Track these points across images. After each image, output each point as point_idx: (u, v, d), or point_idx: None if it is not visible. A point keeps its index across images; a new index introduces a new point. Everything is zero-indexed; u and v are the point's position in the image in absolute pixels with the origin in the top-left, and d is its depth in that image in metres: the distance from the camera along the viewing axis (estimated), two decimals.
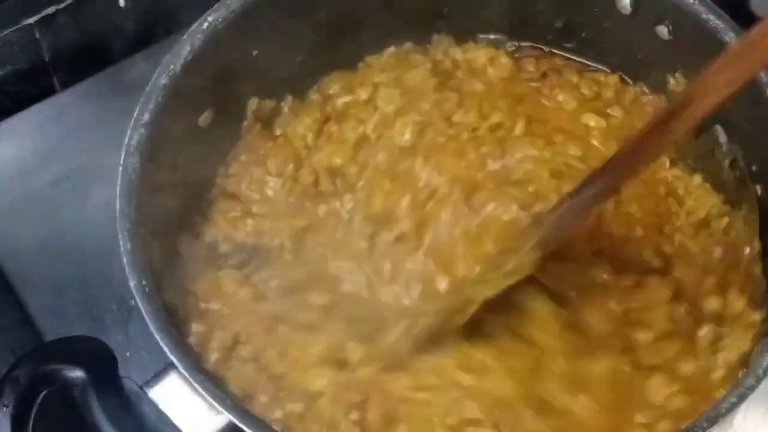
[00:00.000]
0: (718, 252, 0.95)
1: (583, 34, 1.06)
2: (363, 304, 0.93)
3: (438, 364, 0.88)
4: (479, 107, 1.02)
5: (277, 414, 0.87)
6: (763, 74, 0.90)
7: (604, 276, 0.93)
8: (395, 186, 0.98)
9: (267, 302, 0.93)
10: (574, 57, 1.07)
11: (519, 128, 1.02)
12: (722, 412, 0.79)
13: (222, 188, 0.99)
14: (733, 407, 0.79)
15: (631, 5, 0.99)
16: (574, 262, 0.93)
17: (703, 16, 0.94)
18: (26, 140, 1.13)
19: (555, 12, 1.05)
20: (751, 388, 0.80)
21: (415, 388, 0.88)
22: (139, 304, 0.82)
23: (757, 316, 0.91)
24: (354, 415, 0.87)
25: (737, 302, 0.92)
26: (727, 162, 0.98)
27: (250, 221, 0.97)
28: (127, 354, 1.01)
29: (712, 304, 0.93)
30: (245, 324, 0.91)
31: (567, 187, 0.95)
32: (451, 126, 1.01)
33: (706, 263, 0.95)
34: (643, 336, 0.91)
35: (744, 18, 0.93)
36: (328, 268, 0.95)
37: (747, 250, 0.95)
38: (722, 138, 0.98)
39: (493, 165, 0.99)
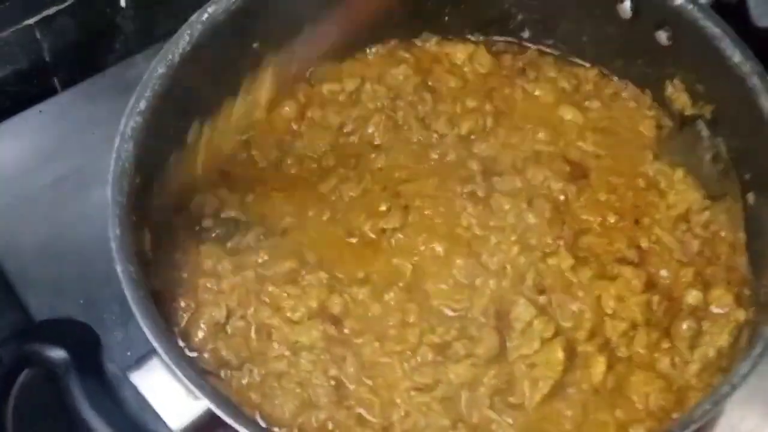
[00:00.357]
0: (695, 246, 0.96)
1: (584, 38, 1.06)
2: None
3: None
4: (451, 112, 1.04)
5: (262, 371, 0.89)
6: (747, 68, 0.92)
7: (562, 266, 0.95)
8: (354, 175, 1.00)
9: (249, 269, 0.94)
10: (570, 57, 1.09)
11: (489, 123, 1.03)
12: (695, 418, 0.79)
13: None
14: (707, 414, 0.79)
15: (632, 10, 1.00)
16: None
17: (702, 22, 0.95)
18: (26, 140, 1.13)
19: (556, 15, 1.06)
20: (726, 395, 0.80)
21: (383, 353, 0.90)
22: (125, 289, 0.82)
23: (741, 315, 0.92)
24: (333, 371, 0.89)
25: (724, 297, 0.93)
26: (709, 156, 0.99)
27: (236, 194, 0.99)
28: (128, 353, 1.01)
29: (692, 297, 0.93)
30: (235, 295, 0.93)
31: (531, 172, 0.98)
32: (424, 128, 1.03)
33: (684, 257, 0.96)
34: (616, 326, 0.92)
35: (743, 26, 0.94)
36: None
37: (729, 242, 0.97)
38: (705, 132, 0.99)
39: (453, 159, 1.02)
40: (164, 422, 0.79)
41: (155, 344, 0.80)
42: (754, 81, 0.92)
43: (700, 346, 0.91)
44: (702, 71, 0.98)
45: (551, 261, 0.94)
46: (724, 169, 0.98)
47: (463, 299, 0.93)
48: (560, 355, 0.89)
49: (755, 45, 0.93)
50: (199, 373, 0.83)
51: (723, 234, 0.97)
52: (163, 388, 0.80)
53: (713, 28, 0.94)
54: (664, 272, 0.95)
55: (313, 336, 0.90)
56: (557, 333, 0.91)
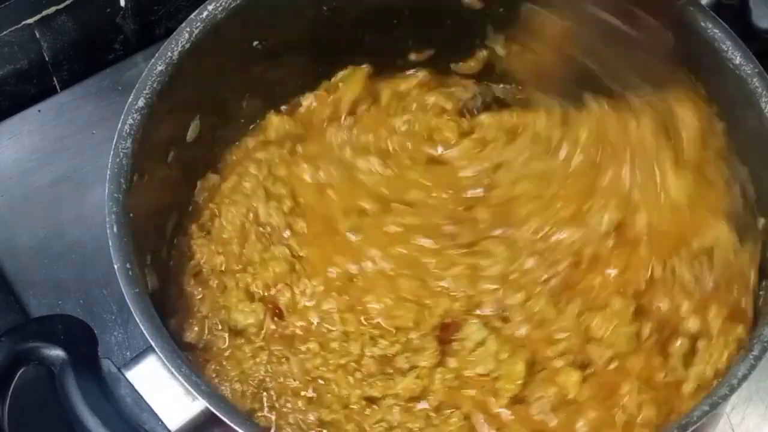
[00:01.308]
0: (709, 282, 0.92)
1: None
2: None
3: None
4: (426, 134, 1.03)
5: None
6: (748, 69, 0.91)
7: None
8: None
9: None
10: None
11: None
12: (693, 419, 0.78)
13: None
14: (704, 415, 0.78)
15: None
16: None
17: (702, 24, 0.94)
18: (26, 140, 1.13)
19: None
20: (724, 398, 0.79)
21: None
22: (122, 286, 0.82)
23: (742, 332, 0.89)
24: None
25: (716, 320, 0.89)
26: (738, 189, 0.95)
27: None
28: (128, 353, 1.02)
29: (691, 325, 0.90)
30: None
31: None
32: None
33: (692, 291, 0.91)
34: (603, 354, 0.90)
35: (743, 27, 0.94)
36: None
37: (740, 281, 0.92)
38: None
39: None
40: (161, 421, 0.79)
41: (152, 341, 0.79)
42: (755, 82, 0.92)
43: (695, 365, 0.88)
44: (702, 73, 0.98)
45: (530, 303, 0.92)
46: (748, 204, 0.94)
47: (409, 318, 0.91)
48: (520, 368, 0.88)
49: (756, 46, 0.93)
50: (196, 372, 0.82)
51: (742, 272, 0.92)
52: (160, 387, 0.80)
53: (714, 29, 0.94)
54: (662, 304, 0.91)
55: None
56: (517, 349, 0.89)
